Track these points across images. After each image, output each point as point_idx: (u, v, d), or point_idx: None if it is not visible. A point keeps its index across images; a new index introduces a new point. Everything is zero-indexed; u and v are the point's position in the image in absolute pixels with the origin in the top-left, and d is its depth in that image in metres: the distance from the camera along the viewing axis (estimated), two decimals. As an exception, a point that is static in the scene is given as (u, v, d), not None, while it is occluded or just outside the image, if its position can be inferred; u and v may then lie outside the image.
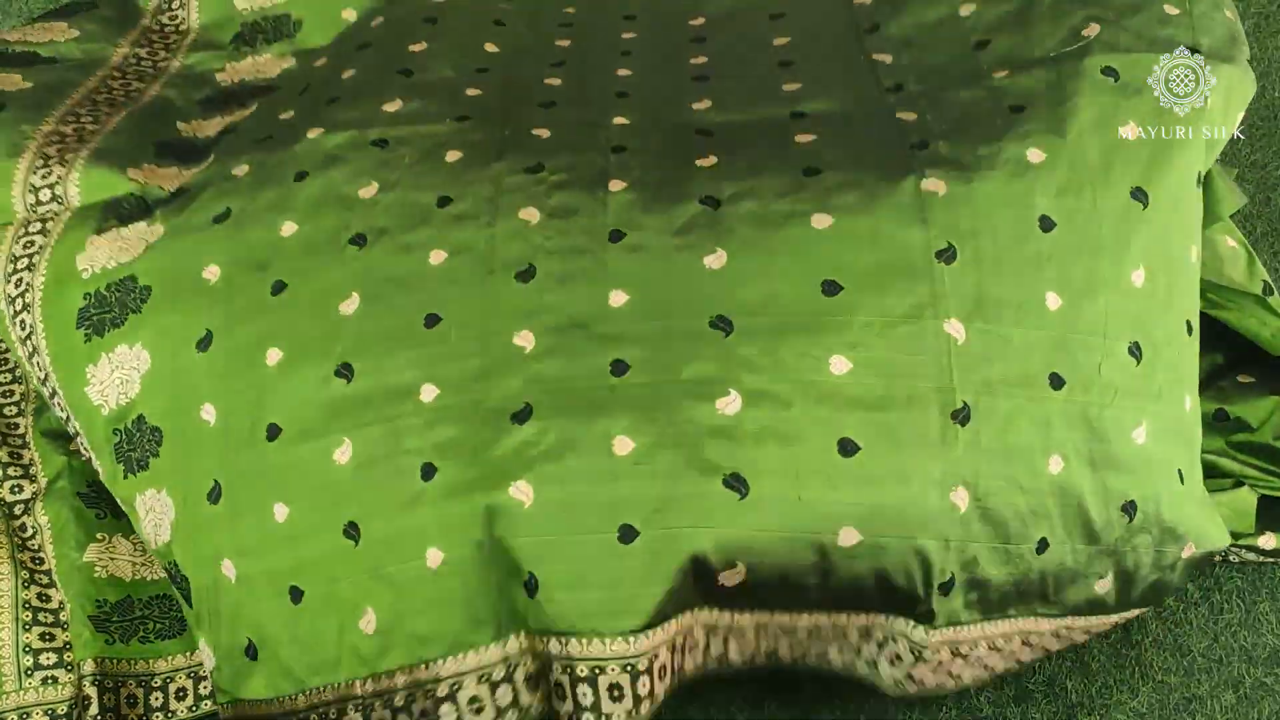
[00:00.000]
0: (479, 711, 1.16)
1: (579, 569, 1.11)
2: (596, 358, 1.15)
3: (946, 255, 1.17)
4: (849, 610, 1.17)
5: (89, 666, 1.34)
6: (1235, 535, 1.40)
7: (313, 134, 1.38)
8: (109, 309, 1.32)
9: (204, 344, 1.26)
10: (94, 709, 1.32)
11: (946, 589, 1.15)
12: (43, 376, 1.36)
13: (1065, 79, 1.30)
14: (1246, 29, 1.82)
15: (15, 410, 1.54)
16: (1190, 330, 1.27)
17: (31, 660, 1.37)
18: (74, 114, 1.53)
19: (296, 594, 1.18)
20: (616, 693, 1.13)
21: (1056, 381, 1.17)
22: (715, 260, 1.19)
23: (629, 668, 1.12)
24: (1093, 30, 1.36)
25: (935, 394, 1.13)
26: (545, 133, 1.33)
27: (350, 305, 1.22)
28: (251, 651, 1.21)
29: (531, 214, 1.24)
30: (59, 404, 1.36)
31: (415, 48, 1.54)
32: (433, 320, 1.19)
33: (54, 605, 1.40)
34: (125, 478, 1.31)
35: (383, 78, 1.48)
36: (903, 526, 1.12)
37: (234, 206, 1.34)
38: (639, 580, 1.11)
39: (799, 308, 1.15)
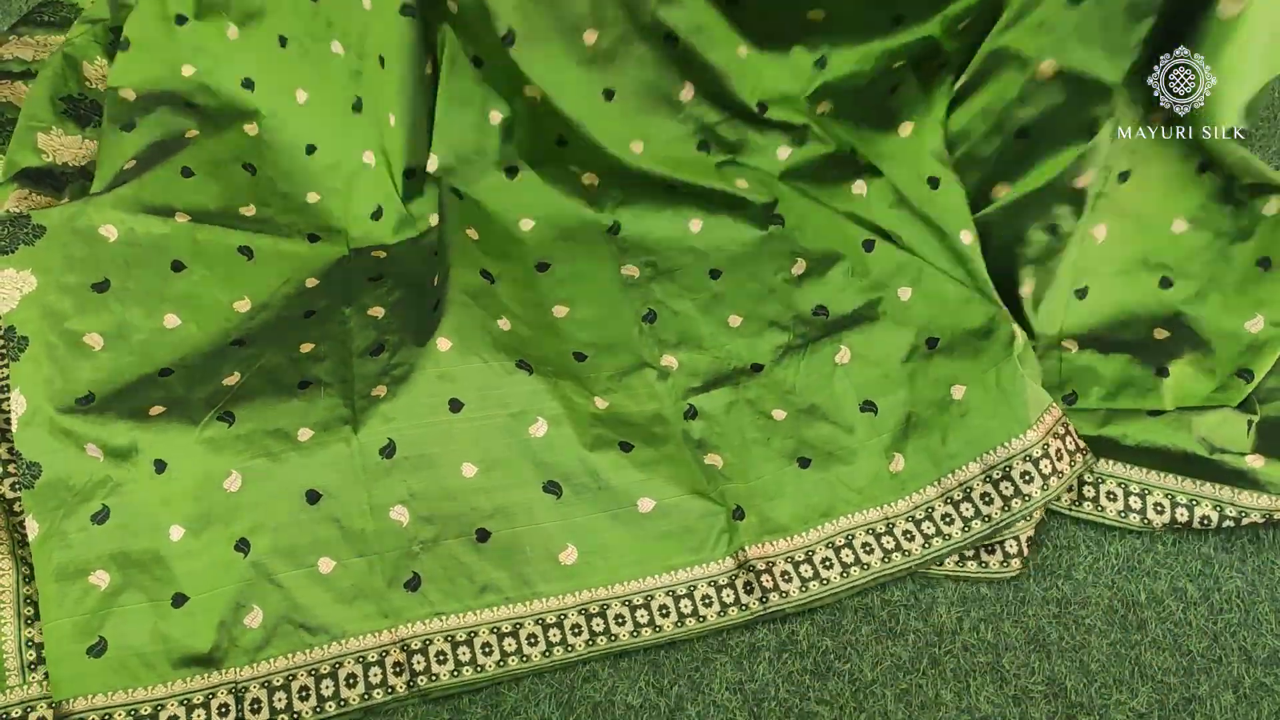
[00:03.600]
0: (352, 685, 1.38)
1: (451, 565, 1.44)
2: (435, 391, 1.49)
3: (648, 317, 1.67)
4: (673, 568, 1.46)
5: None
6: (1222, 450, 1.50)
7: (180, 219, 1.61)
8: None
9: (85, 401, 1.44)
10: None
11: (739, 514, 1.48)
12: None
13: None
14: (1246, 29, 1.81)
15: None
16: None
17: (34, 654, 1.37)
18: None
19: (180, 599, 1.37)
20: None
21: (755, 369, 1.62)
22: (503, 324, 1.59)
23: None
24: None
25: (671, 413, 1.57)
26: (383, 253, 1.66)
27: (232, 380, 1.49)
28: (100, 648, 1.35)
29: (378, 311, 1.59)
30: None
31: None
32: (304, 384, 1.49)
33: None
34: None
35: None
36: (681, 486, 1.49)
37: (111, 278, 1.54)
38: (488, 575, 1.45)
39: (566, 365, 1.58)
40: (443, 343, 1.52)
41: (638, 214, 1.76)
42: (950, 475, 1.48)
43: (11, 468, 1.49)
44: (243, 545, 1.39)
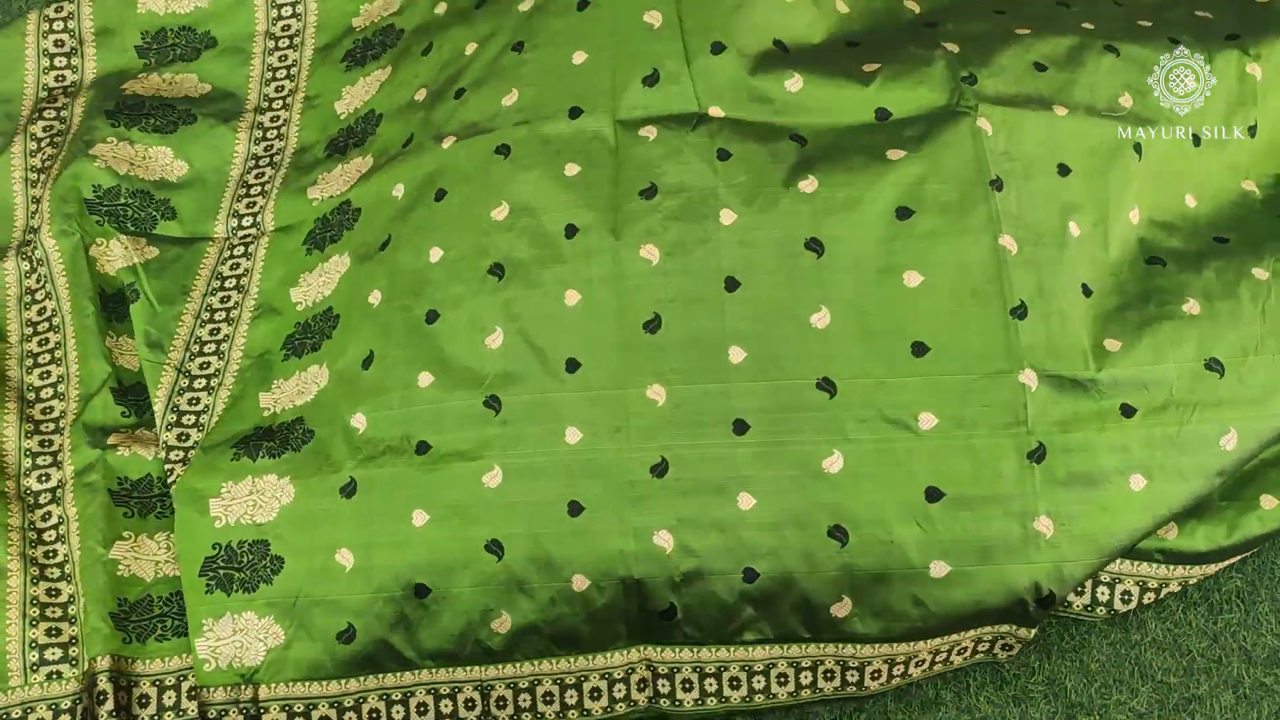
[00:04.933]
0: (596, 698, 1.34)
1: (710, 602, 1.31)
2: (721, 415, 1.30)
3: (1019, 312, 1.32)
4: (955, 631, 1.30)
5: (105, 663, 1.35)
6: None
7: (447, 144, 1.51)
8: (311, 336, 1.50)
9: (366, 363, 1.41)
10: (109, 705, 1.33)
11: (1046, 603, 1.28)
12: (210, 377, 1.51)
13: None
14: (1247, 28, 1.81)
15: (52, 393, 1.54)
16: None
17: (37, 656, 1.38)
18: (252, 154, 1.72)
19: (422, 590, 1.31)
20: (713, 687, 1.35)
21: (1128, 411, 1.30)
22: (821, 319, 1.32)
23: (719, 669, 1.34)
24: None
25: (1012, 439, 1.28)
26: (655, 254, 1.38)
27: (495, 340, 1.35)
28: (349, 636, 1.31)
29: (652, 252, 1.36)
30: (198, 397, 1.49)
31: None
32: (573, 365, 1.33)
33: (63, 600, 1.41)
34: (238, 460, 1.40)
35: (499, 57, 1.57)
36: (988, 557, 1.27)
37: (393, 234, 1.48)
38: (749, 613, 1.31)
39: (894, 369, 1.30)
40: (735, 353, 1.32)
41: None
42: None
43: (40, 460, 1.50)
44: (495, 548, 1.30)
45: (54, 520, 1.45)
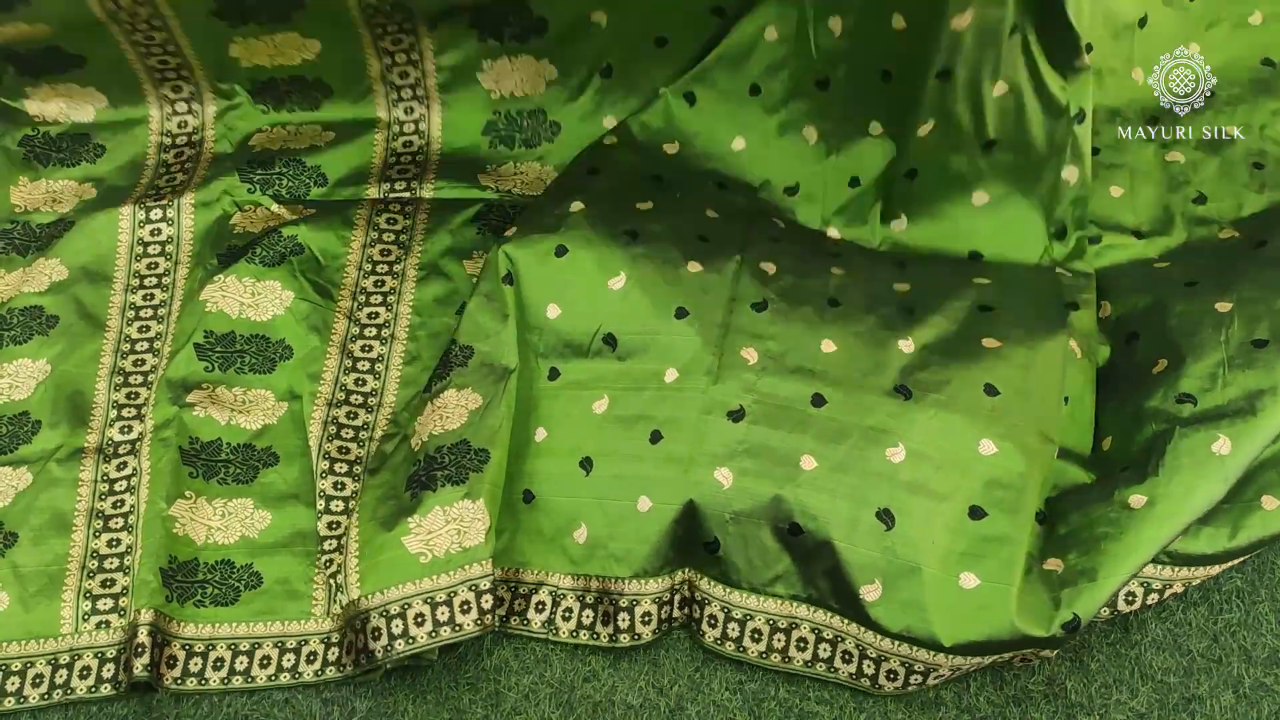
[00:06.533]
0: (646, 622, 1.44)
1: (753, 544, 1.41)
2: (803, 388, 1.44)
3: (1065, 400, 1.45)
4: (977, 654, 1.32)
5: (148, 616, 1.38)
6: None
7: (608, 141, 1.68)
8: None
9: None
10: (145, 659, 1.36)
11: (1071, 628, 1.29)
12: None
13: None
14: (1247, 29, 1.81)
15: (147, 347, 1.62)
16: None
17: (90, 605, 1.44)
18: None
19: (528, 495, 1.48)
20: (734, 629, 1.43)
21: (1124, 467, 1.39)
22: (906, 345, 1.47)
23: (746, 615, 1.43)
24: None
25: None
26: (772, 268, 1.56)
27: (618, 283, 1.50)
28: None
29: (769, 268, 1.54)
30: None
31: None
32: (682, 313, 1.49)
33: (121, 549, 1.47)
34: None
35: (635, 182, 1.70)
36: (1005, 578, 1.32)
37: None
38: (786, 564, 1.41)
39: (965, 398, 1.41)
40: (827, 345, 1.47)
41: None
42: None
43: (125, 411, 1.56)
44: (586, 464, 1.46)
45: (128, 471, 1.52)
